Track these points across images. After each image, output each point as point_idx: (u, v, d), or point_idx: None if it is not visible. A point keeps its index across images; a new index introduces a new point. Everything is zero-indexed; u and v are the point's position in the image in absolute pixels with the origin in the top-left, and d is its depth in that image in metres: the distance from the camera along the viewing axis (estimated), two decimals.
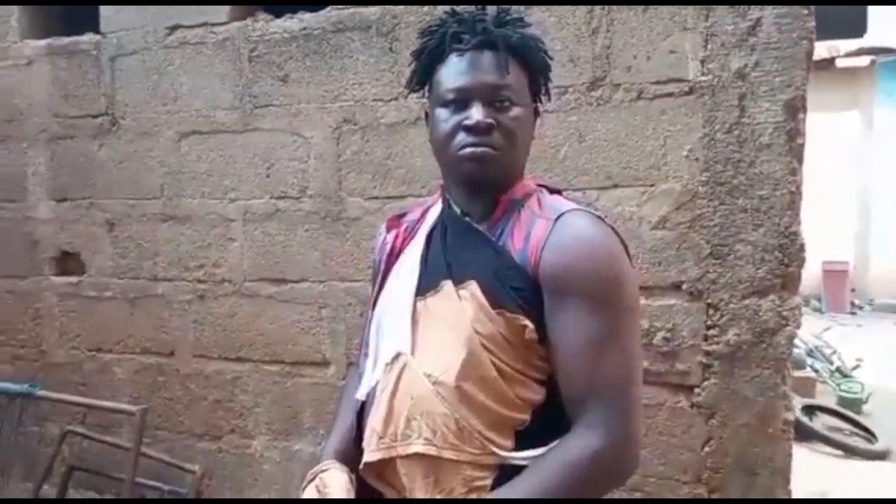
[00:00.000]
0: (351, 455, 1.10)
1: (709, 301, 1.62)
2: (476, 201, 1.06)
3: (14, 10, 2.25)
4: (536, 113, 1.09)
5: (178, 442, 2.17)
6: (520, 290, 0.99)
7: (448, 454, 0.99)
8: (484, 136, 1.00)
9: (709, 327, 1.63)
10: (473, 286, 1.00)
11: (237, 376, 2.11)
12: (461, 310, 1.01)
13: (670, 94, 1.60)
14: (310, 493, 1.07)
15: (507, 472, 0.99)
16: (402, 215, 1.21)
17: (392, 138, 1.87)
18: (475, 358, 0.99)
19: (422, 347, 1.04)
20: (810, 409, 3.89)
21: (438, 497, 1.00)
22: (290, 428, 2.07)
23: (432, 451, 1.00)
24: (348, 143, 1.92)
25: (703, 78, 1.57)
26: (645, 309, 1.67)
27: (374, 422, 1.05)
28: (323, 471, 1.09)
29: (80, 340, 2.27)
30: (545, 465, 0.97)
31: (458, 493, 1.00)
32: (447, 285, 1.03)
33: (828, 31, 2.20)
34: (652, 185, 1.63)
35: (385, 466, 1.04)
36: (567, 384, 0.99)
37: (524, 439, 1.00)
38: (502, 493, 0.97)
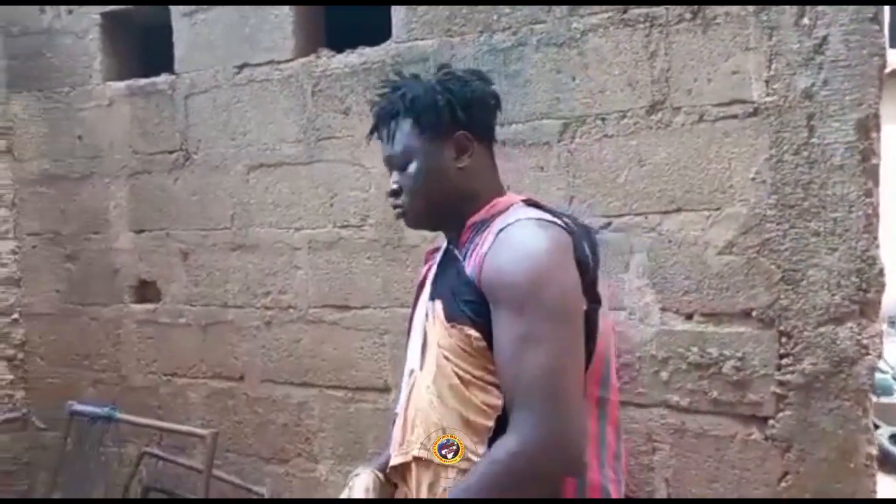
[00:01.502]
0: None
1: (781, 329, 1.55)
2: (451, 231, 1.21)
3: (97, 55, 2.41)
4: (460, 142, 1.16)
5: (248, 465, 2.23)
6: (471, 303, 1.09)
7: (436, 458, 1.11)
8: (395, 198, 1.19)
9: (782, 356, 1.56)
10: (438, 305, 1.14)
11: (303, 401, 2.16)
12: (435, 329, 1.14)
13: (734, 116, 1.56)
14: (343, 494, 1.26)
15: None
16: (437, 249, 1.33)
17: None
18: (441, 369, 1.11)
19: (426, 363, 1.17)
20: None
21: (432, 493, 1.12)
22: (353, 453, 2.09)
23: (425, 454, 1.13)
24: None
25: (769, 98, 1.52)
26: (713, 337, 1.62)
27: (395, 431, 1.22)
28: (355, 475, 1.27)
29: (156, 365, 2.38)
30: (475, 469, 1.06)
31: (443, 487, 1.11)
32: (430, 313, 1.17)
33: None
34: (717, 209, 1.58)
35: (407, 470, 1.18)
36: (501, 385, 1.07)
37: (493, 444, 1.08)
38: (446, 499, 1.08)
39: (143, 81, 2.33)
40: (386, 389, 2.04)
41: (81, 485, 2.25)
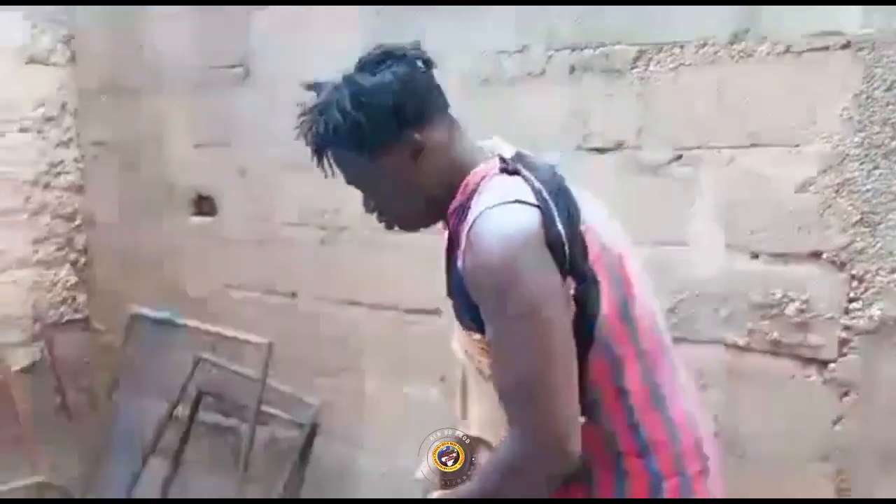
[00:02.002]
0: None
1: (853, 272, 1.51)
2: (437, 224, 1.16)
3: None
4: (409, 144, 1.06)
5: (298, 377, 2.30)
6: (465, 307, 1.05)
7: (494, 440, 1.10)
8: (374, 213, 1.17)
9: (850, 300, 1.52)
10: (451, 304, 1.13)
11: (354, 319, 2.20)
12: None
13: (824, 48, 1.47)
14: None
15: None
16: None
17: (514, 90, 1.85)
18: (468, 365, 1.12)
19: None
20: None
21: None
22: (401, 371, 2.15)
23: (483, 435, 1.13)
24: (463, 97, 1.91)
25: (864, 31, 1.43)
26: (779, 277, 1.58)
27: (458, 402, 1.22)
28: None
29: (212, 278, 2.44)
30: (482, 468, 1.07)
31: None
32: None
33: None
34: (797, 146, 1.52)
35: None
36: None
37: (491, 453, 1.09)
38: (458, 490, 1.08)
39: None
40: (435, 312, 2.06)
41: (141, 386, 2.36)
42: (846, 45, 1.46)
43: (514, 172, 1.05)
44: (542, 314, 0.98)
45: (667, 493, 1.06)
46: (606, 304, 1.04)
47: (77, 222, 2.65)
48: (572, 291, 1.01)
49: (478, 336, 1.05)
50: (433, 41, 1.91)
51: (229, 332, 2.10)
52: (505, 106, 1.86)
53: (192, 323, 2.14)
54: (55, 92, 2.51)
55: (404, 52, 1.09)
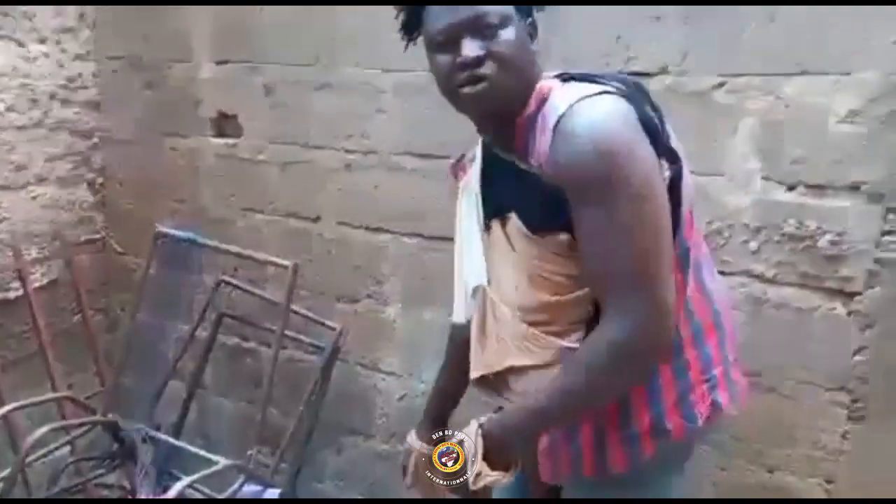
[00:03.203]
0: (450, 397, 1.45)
1: (890, 206, 1.51)
2: (499, 132, 1.12)
3: None
4: (534, 24, 1.10)
5: (318, 301, 2.32)
6: (549, 206, 1.04)
7: (536, 360, 1.13)
8: (477, 69, 1.04)
9: (884, 234, 1.53)
10: (514, 217, 1.10)
11: (377, 245, 2.20)
12: (513, 241, 1.11)
13: None
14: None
15: None
16: (462, 157, 1.31)
17: (556, 11, 1.80)
18: (536, 279, 1.10)
19: (496, 278, 1.17)
20: None
21: (524, 397, 1.14)
22: (422, 298, 2.16)
23: (523, 361, 1.14)
24: None
25: None
26: (814, 209, 1.58)
27: (473, 344, 1.23)
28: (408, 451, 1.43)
29: (234, 200, 2.43)
30: (571, 359, 1.07)
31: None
32: (495, 225, 1.15)
33: None
34: (847, 74, 1.49)
35: (492, 380, 1.22)
36: (590, 280, 1.06)
37: (593, 327, 1.08)
38: (544, 388, 1.09)
39: None
40: None
41: (162, 307, 2.36)
42: None
43: (582, 79, 1.07)
44: (653, 192, 1.01)
45: (716, 378, 1.16)
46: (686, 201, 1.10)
47: (94, 140, 2.60)
48: (667, 173, 1.04)
49: (561, 236, 1.04)
50: None
51: (254, 254, 2.09)
52: (548, 26, 1.82)
53: (216, 243, 2.13)
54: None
55: None
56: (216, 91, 2.36)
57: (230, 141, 2.38)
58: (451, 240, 2.06)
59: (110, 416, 2.18)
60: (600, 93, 1.02)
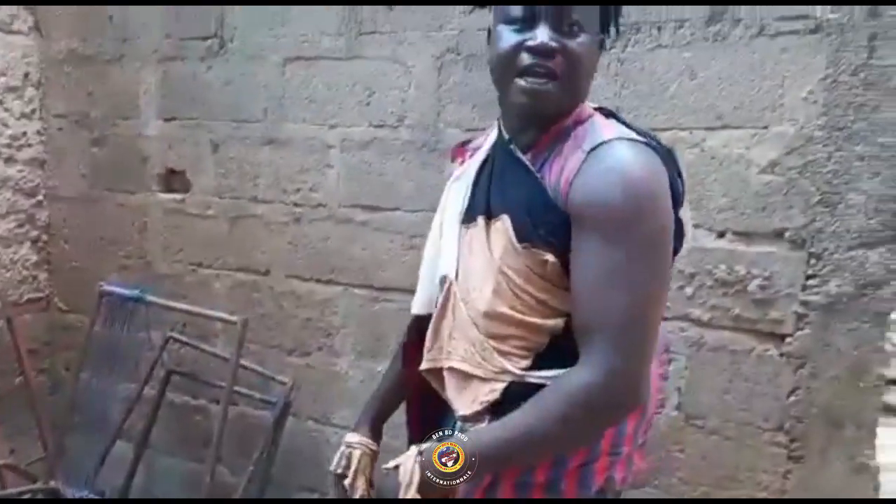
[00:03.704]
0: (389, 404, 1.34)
1: (812, 250, 1.59)
2: (526, 129, 1.05)
3: None
4: (602, 46, 1.06)
5: (269, 355, 2.29)
6: (549, 225, 1.00)
7: (476, 371, 1.09)
8: (547, 60, 0.97)
9: (808, 277, 1.60)
10: (505, 220, 1.04)
11: (328, 297, 2.20)
12: (493, 243, 1.06)
13: (794, 32, 1.54)
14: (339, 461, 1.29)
15: (517, 389, 1.05)
16: (468, 142, 1.24)
17: None
18: (502, 289, 1.04)
19: (463, 273, 1.12)
20: None
21: (469, 403, 1.10)
22: (374, 350, 2.16)
23: (465, 367, 1.10)
24: (450, 73, 1.93)
25: (832, 15, 1.50)
26: (742, 255, 1.65)
27: (428, 334, 1.17)
28: (349, 446, 1.29)
29: (182, 255, 2.41)
30: (541, 395, 1.01)
31: (479, 400, 1.09)
32: (480, 221, 1.08)
33: None
34: (764, 128, 1.59)
35: (436, 372, 1.17)
36: (575, 315, 1.00)
37: (541, 360, 1.05)
38: (497, 424, 1.04)
39: None
40: (411, 291, 2.05)
41: (108, 366, 2.31)
42: (815, 30, 1.53)
43: (624, 124, 1.06)
44: (664, 250, 0.99)
45: (621, 456, 1.12)
46: None
47: (39, 198, 2.57)
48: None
49: (548, 257, 1.00)
50: (409, 19, 1.95)
51: (202, 310, 2.08)
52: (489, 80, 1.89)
53: (163, 301, 2.10)
54: (18, 61, 2.43)
55: None
56: (164, 147, 2.36)
57: (178, 196, 2.38)
58: (401, 290, 2.11)
59: (52, 483, 2.11)
60: (643, 142, 1.01)
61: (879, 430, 1.62)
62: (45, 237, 2.61)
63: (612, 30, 1.08)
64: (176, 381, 2.34)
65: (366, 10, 2.01)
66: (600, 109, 1.09)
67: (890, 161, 1.48)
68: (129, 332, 2.25)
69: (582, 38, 0.99)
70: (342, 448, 1.30)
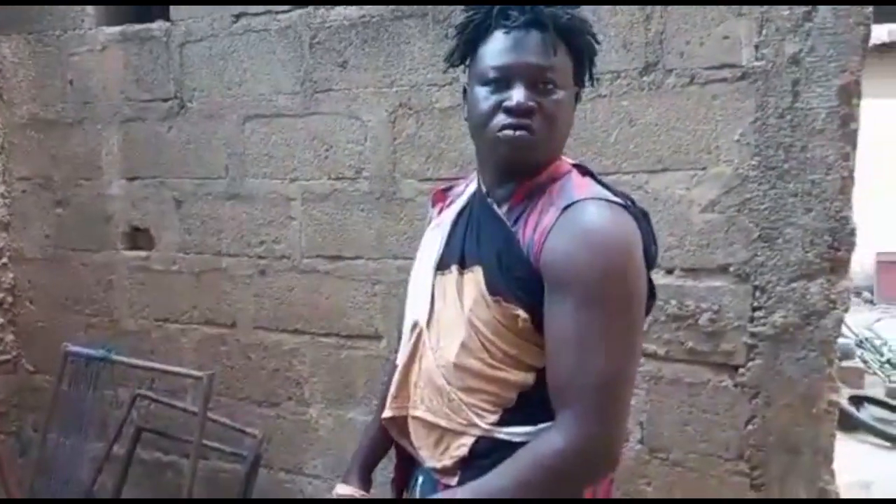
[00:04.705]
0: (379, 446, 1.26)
1: (756, 283, 1.65)
2: (503, 183, 1.06)
3: None
4: (578, 97, 1.08)
5: (239, 408, 2.30)
6: (520, 280, 0.99)
7: (441, 422, 1.07)
8: (524, 118, 0.98)
9: (755, 309, 1.66)
10: (478, 272, 1.03)
11: (294, 347, 2.22)
12: (463, 294, 1.05)
13: (723, 80, 1.62)
14: None
15: (486, 444, 1.04)
16: (449, 188, 1.23)
17: (445, 122, 1.94)
18: (471, 341, 1.03)
19: (435, 321, 1.10)
20: (858, 400, 3.86)
21: (439, 456, 1.08)
22: (343, 397, 2.17)
23: (429, 417, 1.08)
24: (403, 127, 1.99)
25: (757, 63, 1.59)
26: (691, 290, 1.71)
27: (393, 384, 1.15)
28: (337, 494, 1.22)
29: (148, 311, 2.41)
30: (516, 459, 0.98)
31: (450, 454, 1.07)
32: (454, 269, 1.08)
33: (890, 14, 2.16)
34: (703, 169, 1.66)
35: (402, 423, 1.14)
36: (550, 377, 0.99)
37: (509, 416, 1.03)
38: (471, 486, 1.01)
39: (137, 27, 2.31)
40: (377, 337, 2.11)
41: (75, 426, 2.29)
42: (742, 77, 1.62)
43: (601, 184, 1.06)
44: (637, 314, 0.98)
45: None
46: None
47: (3, 260, 2.57)
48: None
49: (519, 312, 0.99)
50: (361, 77, 2.01)
51: (167, 367, 2.08)
52: (441, 132, 1.95)
53: (128, 359, 2.10)
54: None
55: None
56: (127, 206, 2.39)
57: (143, 253, 2.39)
58: (366, 337, 2.14)
59: None
60: (618, 203, 1.00)
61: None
62: (10, 299, 2.60)
63: (587, 82, 1.09)
64: (146, 437, 2.33)
65: (320, 70, 2.08)
66: (577, 166, 1.09)
67: (820, 197, 1.56)
68: (96, 391, 2.24)
69: (557, 94, 1.00)
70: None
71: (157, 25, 2.28)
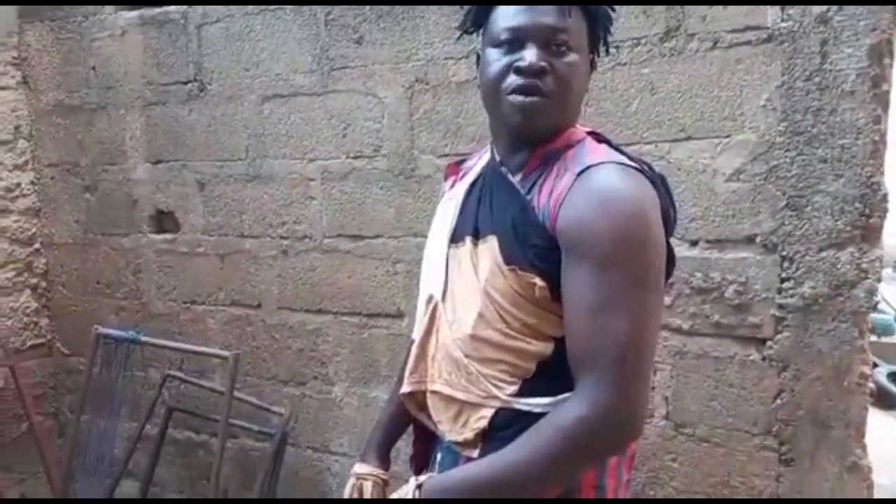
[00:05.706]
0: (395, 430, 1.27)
1: (784, 254, 1.60)
2: (517, 151, 1.04)
3: None
4: (592, 65, 1.06)
5: (266, 387, 2.33)
6: (536, 248, 0.97)
7: (460, 395, 1.06)
8: (536, 78, 0.96)
9: (783, 280, 1.62)
10: (493, 241, 1.02)
11: (318, 327, 2.24)
12: (479, 265, 1.04)
13: (747, 43, 1.56)
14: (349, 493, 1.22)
15: (506, 416, 1.02)
16: (462, 162, 1.22)
17: (462, 96, 1.91)
18: (488, 312, 1.02)
19: (451, 294, 1.09)
20: None
21: (460, 429, 1.07)
22: (367, 375, 2.19)
23: (447, 390, 1.07)
24: (420, 102, 1.97)
25: (783, 24, 1.52)
26: (717, 262, 1.67)
27: (410, 359, 1.14)
28: (357, 476, 1.22)
29: (176, 293, 2.45)
30: (538, 428, 0.96)
31: (470, 427, 1.06)
32: (468, 241, 1.06)
33: None
34: (727, 137, 1.61)
35: (421, 398, 1.14)
36: (570, 344, 0.97)
37: (529, 386, 1.01)
38: (491, 458, 0.99)
39: (155, 10, 2.33)
40: (399, 315, 2.11)
41: (109, 406, 2.35)
42: (767, 39, 1.56)
43: (617, 150, 1.04)
44: (657, 279, 0.96)
45: (605, 490, 1.08)
46: None
47: (35, 246, 2.63)
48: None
49: (536, 280, 0.97)
50: (377, 52, 1.99)
51: (194, 348, 2.12)
52: (458, 107, 1.93)
53: (156, 340, 2.15)
54: (8, 115, 2.51)
55: None
56: (152, 190, 2.42)
57: (169, 236, 2.43)
58: (388, 315, 2.14)
59: None
60: (633, 167, 0.98)
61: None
62: (43, 284, 2.67)
63: (602, 49, 1.07)
64: (178, 417, 2.38)
65: (336, 47, 2.06)
66: (592, 133, 1.07)
67: (851, 162, 1.50)
68: (127, 372, 2.29)
69: (571, 57, 0.99)
70: (352, 480, 1.24)
71: (175, 8, 2.29)
